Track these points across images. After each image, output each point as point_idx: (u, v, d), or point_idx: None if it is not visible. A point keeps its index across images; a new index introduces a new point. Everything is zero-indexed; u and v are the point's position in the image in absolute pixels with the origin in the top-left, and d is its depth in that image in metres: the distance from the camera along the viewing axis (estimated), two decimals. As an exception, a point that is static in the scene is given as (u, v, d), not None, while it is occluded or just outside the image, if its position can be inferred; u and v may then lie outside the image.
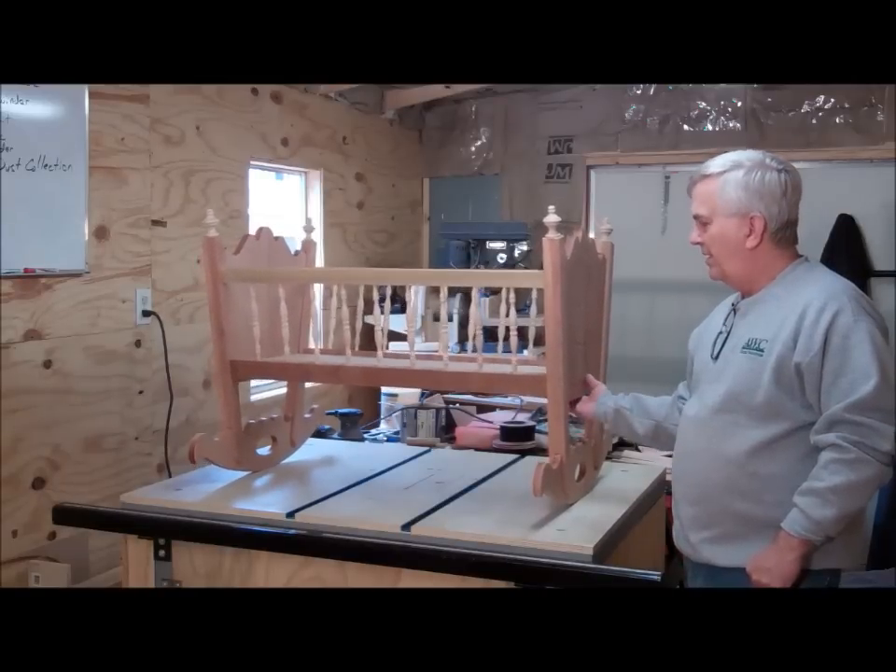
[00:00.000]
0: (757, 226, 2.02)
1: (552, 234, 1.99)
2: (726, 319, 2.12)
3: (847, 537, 1.97)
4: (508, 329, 2.13)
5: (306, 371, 2.42)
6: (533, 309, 2.11)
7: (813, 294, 1.96)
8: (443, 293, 2.18)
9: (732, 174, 2.02)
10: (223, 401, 2.39)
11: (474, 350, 2.21)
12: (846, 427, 1.88)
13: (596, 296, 2.28)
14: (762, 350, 1.98)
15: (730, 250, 2.05)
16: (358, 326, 2.38)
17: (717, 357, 2.09)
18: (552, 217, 2.00)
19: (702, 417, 2.07)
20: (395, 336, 3.78)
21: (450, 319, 4.31)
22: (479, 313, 2.18)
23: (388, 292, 2.30)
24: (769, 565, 1.93)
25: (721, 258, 2.07)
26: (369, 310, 2.30)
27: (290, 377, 2.58)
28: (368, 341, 2.40)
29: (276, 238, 2.51)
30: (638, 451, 3.15)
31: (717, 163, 2.06)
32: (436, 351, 2.76)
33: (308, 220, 2.70)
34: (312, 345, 2.56)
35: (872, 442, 1.88)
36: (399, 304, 3.94)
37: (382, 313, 2.26)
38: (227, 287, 2.33)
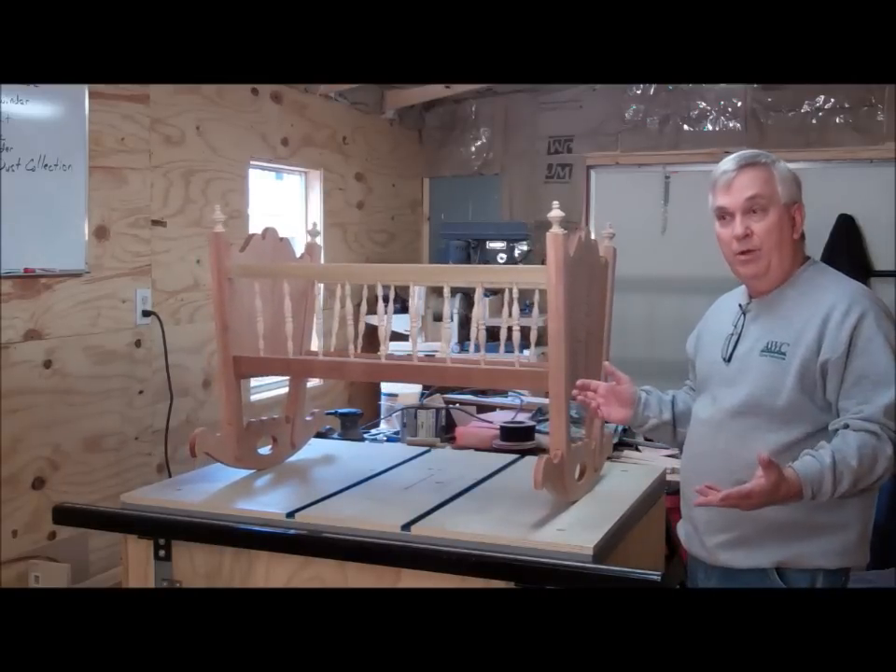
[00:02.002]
0: (798, 217, 2.04)
1: (555, 229, 2.00)
2: (736, 321, 2.11)
3: (863, 535, 1.98)
4: (510, 328, 2.13)
5: (309, 366, 2.43)
6: (535, 310, 2.11)
7: (836, 297, 1.96)
8: (447, 290, 2.18)
9: (780, 164, 2.04)
10: (225, 397, 2.39)
11: (476, 349, 2.20)
12: (883, 427, 1.87)
13: (598, 297, 2.28)
14: (783, 353, 1.97)
15: (782, 241, 2.03)
16: (361, 328, 2.38)
17: (729, 360, 2.08)
18: (555, 213, 2.00)
19: (718, 420, 2.06)
20: (395, 336, 3.78)
21: (450, 319, 4.31)
22: (482, 309, 2.17)
23: (391, 293, 2.30)
24: (762, 501, 1.83)
25: (772, 249, 2.02)
26: (370, 311, 2.30)
27: (293, 373, 2.57)
28: (369, 343, 2.40)
29: (282, 239, 2.52)
30: (638, 451, 3.15)
31: (759, 154, 2.05)
32: (436, 351, 2.76)
33: (314, 225, 2.71)
34: (314, 348, 2.55)
35: None
36: (399, 305, 3.94)
37: (385, 311, 2.26)
38: (232, 283, 2.34)
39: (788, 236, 2.03)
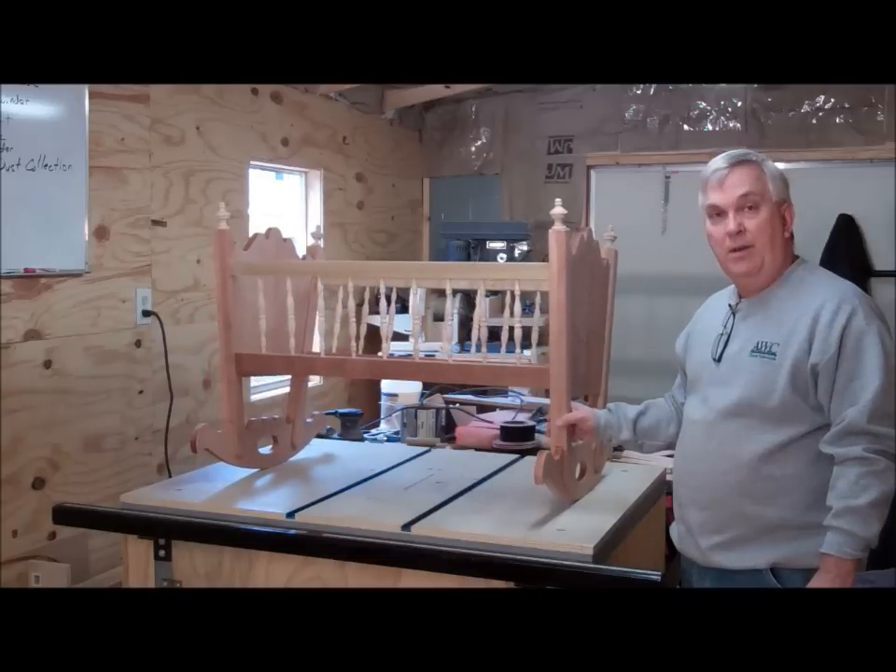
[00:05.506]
0: (788, 216, 2.04)
1: (558, 226, 2.00)
2: (726, 321, 2.11)
3: None
4: (511, 327, 2.13)
5: (311, 364, 2.44)
6: (536, 311, 2.12)
7: (825, 296, 1.97)
8: (449, 288, 2.18)
9: (769, 163, 2.05)
10: (227, 394, 2.40)
11: (478, 349, 2.20)
12: (866, 437, 1.88)
13: (600, 298, 2.28)
14: (774, 354, 1.97)
15: (774, 239, 2.03)
16: (363, 329, 2.37)
17: (720, 360, 2.08)
18: (558, 210, 2.01)
19: (710, 421, 2.06)
20: (395, 336, 3.78)
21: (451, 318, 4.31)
22: (483, 307, 2.17)
23: (394, 293, 2.29)
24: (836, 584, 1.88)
25: (765, 247, 2.02)
26: (370, 311, 2.31)
27: (295, 370, 2.57)
28: (369, 343, 2.40)
29: (285, 240, 2.53)
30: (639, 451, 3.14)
31: (748, 152, 2.06)
32: (437, 351, 2.76)
33: (318, 227, 2.72)
34: (316, 349, 2.55)
35: (891, 449, 1.88)
36: (399, 305, 3.94)
37: (388, 310, 2.26)
38: (235, 281, 2.34)
39: (779, 234, 2.04)
